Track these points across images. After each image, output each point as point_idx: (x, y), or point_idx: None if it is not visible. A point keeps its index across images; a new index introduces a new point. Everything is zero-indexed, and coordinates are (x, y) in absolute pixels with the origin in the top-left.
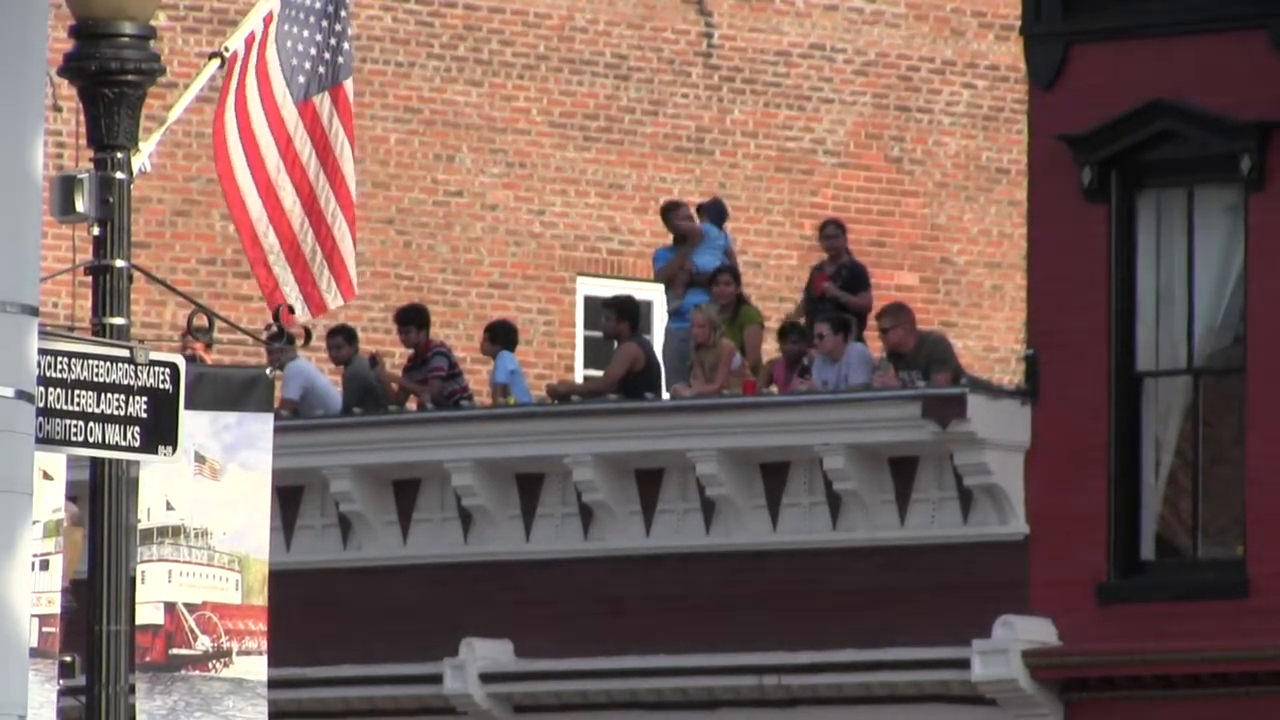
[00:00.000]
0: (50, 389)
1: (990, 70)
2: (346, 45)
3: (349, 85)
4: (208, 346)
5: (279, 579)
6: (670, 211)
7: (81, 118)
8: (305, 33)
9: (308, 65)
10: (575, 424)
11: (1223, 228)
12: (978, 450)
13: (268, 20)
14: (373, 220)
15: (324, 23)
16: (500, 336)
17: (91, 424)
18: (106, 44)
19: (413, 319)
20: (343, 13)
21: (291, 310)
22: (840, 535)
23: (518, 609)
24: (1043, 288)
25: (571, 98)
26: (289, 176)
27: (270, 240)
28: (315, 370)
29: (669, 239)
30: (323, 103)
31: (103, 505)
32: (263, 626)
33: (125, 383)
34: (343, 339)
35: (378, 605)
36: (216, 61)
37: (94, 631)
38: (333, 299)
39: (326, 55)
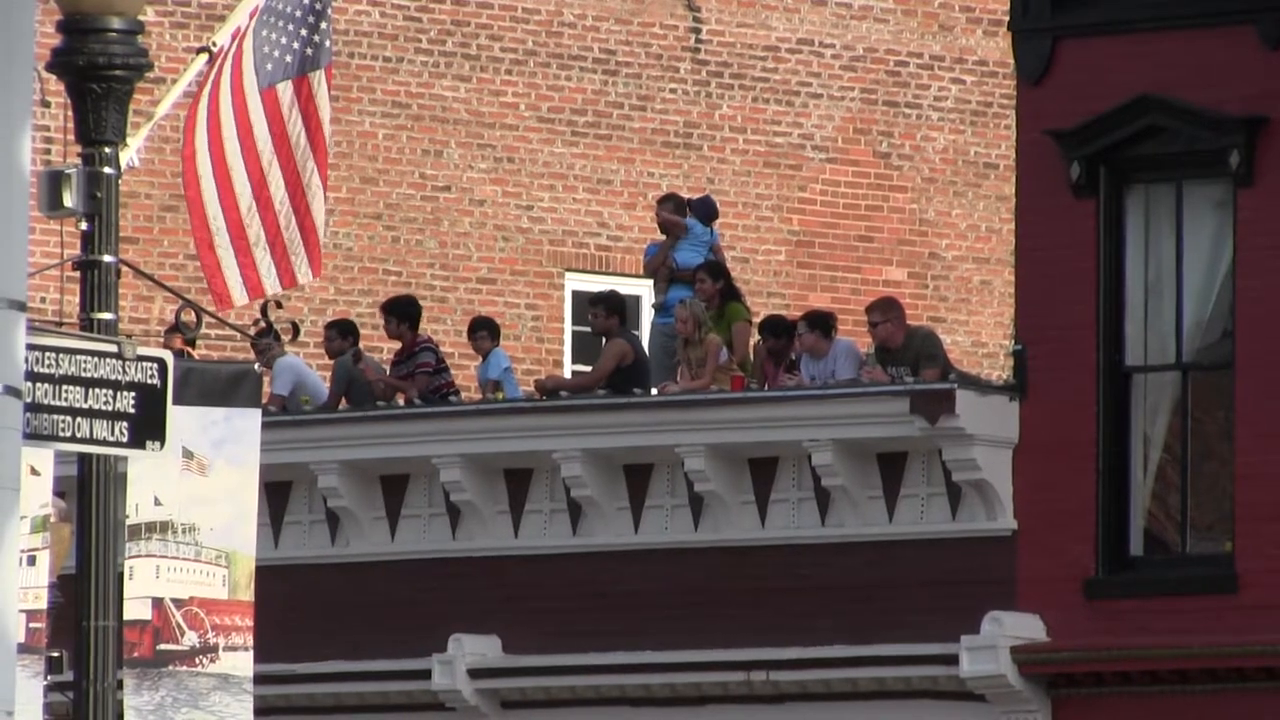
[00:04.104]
0: (38, 384)
1: (978, 65)
2: (320, 39)
3: (316, 78)
4: (190, 343)
5: (267, 574)
6: (659, 203)
7: (69, 113)
8: (281, 22)
9: (276, 54)
10: (563, 419)
11: (1211, 223)
12: (966, 446)
13: (253, 15)
14: (360, 215)
15: (298, 14)
16: (495, 332)
17: (79, 419)
18: (94, 39)
19: (395, 310)
20: (318, 6)
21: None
22: (828, 531)
23: (506, 604)
24: (1031, 283)
25: (560, 93)
26: (243, 162)
27: (218, 223)
28: (304, 366)
29: (658, 233)
30: (284, 91)
31: (90, 501)
32: (249, 622)
33: (113, 378)
34: (335, 332)
35: (365, 601)
36: (204, 56)
37: (82, 627)
38: (271, 284)
39: (296, 45)
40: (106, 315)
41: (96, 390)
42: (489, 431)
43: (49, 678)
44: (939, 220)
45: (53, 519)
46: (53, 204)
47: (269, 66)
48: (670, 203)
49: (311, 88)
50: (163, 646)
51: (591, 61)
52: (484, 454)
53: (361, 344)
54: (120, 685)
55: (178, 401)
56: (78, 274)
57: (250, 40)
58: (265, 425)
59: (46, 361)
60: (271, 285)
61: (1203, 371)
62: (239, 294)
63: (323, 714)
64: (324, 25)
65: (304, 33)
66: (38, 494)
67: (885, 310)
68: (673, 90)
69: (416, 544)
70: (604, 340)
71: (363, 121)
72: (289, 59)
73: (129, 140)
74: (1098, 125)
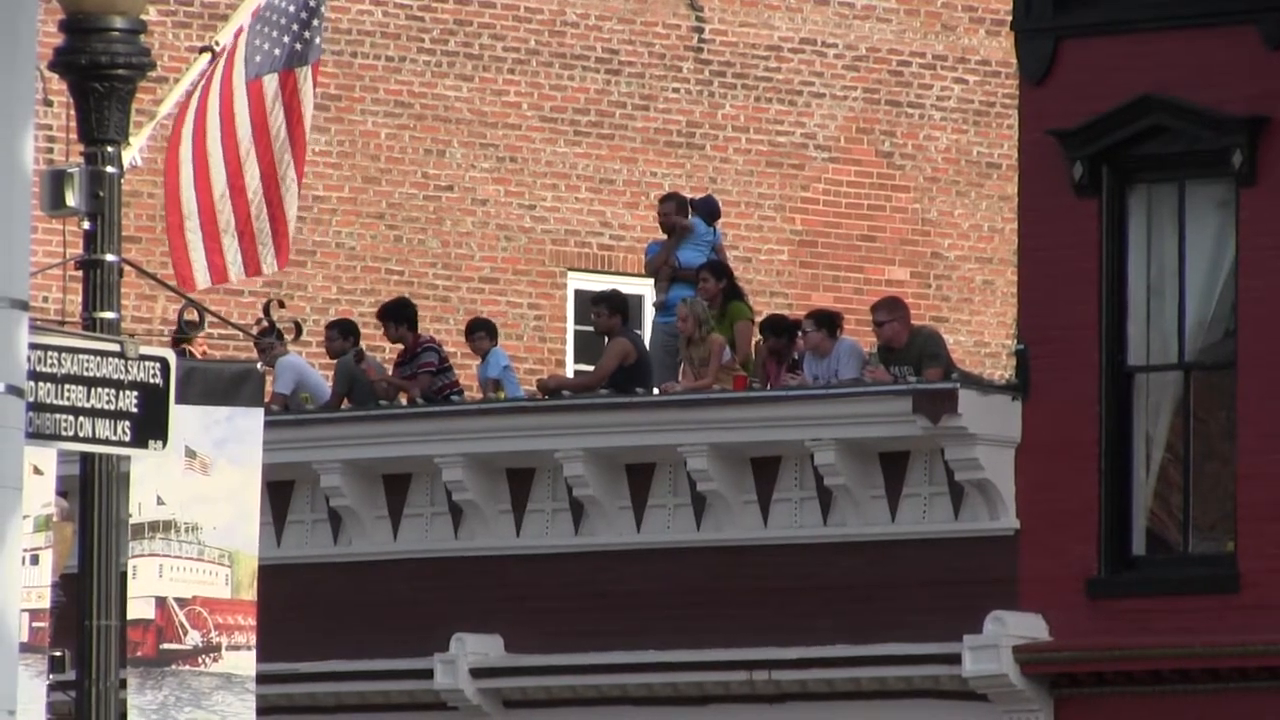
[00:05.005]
0: (40, 383)
1: (981, 65)
2: (311, 36)
3: (303, 74)
4: (189, 341)
5: (270, 574)
6: (661, 203)
7: (72, 112)
8: (277, 18)
9: (266, 47)
10: (566, 419)
11: (1213, 223)
12: (969, 445)
13: (255, 14)
14: (363, 215)
15: (292, 8)
16: (493, 332)
17: (82, 418)
18: (97, 38)
19: (391, 315)
20: (312, 3)
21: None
22: (831, 530)
23: (508, 604)
24: (1033, 283)
25: (562, 92)
26: (222, 149)
27: (190, 207)
28: (306, 365)
29: (660, 233)
30: (270, 84)
31: (93, 500)
32: (252, 621)
33: (116, 377)
34: (336, 332)
35: (368, 600)
36: (207, 56)
37: (84, 626)
38: (236, 272)
39: (286, 40)
40: (109, 314)
41: (99, 389)
42: (491, 431)
43: (52, 677)
44: (941, 220)
45: (55, 518)
46: (55, 203)
47: (258, 59)
48: (673, 202)
49: (297, 82)
50: (165, 646)
51: (594, 61)
52: (486, 453)
53: (365, 344)
54: (123, 684)
55: (180, 401)
56: (80, 273)
57: (245, 35)
58: (268, 424)
59: (49, 361)
60: (236, 273)
61: (1205, 371)
62: (202, 278)
63: (325, 713)
64: (316, 23)
65: (295, 28)
66: (40, 493)
67: (891, 309)
68: (675, 90)
69: (419, 543)
70: (606, 340)
71: (365, 121)
72: (278, 53)
73: (131, 139)
74: (1100, 125)
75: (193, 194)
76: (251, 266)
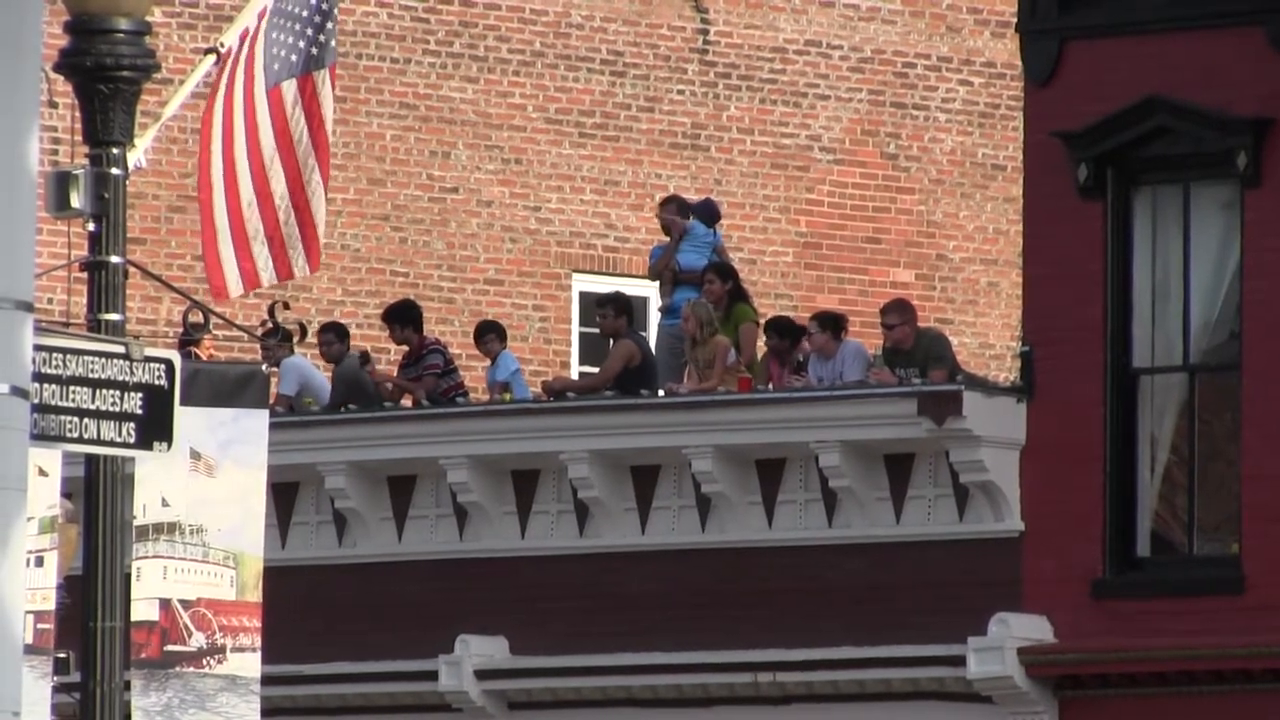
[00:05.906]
0: (45, 385)
1: (986, 67)
2: (325, 39)
3: (321, 77)
4: (195, 342)
5: (274, 575)
6: (661, 205)
7: (77, 114)
8: (288, 23)
9: (282, 53)
10: (571, 421)
11: (1218, 224)
12: (973, 447)
13: (261, 15)
14: (368, 216)
15: (304, 13)
16: (502, 335)
17: (86, 420)
18: (102, 40)
19: (397, 317)
20: (325, 6)
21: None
22: (836, 532)
23: (513, 606)
24: (1038, 285)
25: (567, 94)
26: (248, 159)
27: (222, 221)
28: (310, 366)
29: (665, 235)
30: (289, 89)
31: (98, 501)
32: (257, 623)
33: (120, 379)
34: (334, 336)
35: (373, 602)
36: (212, 57)
37: (89, 628)
38: (267, 276)
39: (301, 44)
40: (114, 316)
41: (104, 391)
42: (496, 432)
43: (56, 679)
44: (946, 222)
45: (60, 520)
46: (60, 205)
47: (275, 66)
48: (673, 204)
49: (315, 86)
50: (170, 647)
51: (599, 63)
52: (491, 455)
53: (371, 347)
54: (127, 686)
55: (185, 402)
56: (85, 275)
57: (261, 42)
58: (272, 426)
59: (54, 362)
60: (268, 277)
61: (1210, 373)
62: (235, 286)
63: (329, 715)
64: (330, 25)
65: (310, 32)
66: (45, 495)
67: (902, 313)
68: (680, 91)
69: (424, 545)
70: (611, 341)
71: (370, 123)
72: (294, 58)
73: (136, 141)
74: (1105, 127)
75: (224, 207)
76: (283, 271)
